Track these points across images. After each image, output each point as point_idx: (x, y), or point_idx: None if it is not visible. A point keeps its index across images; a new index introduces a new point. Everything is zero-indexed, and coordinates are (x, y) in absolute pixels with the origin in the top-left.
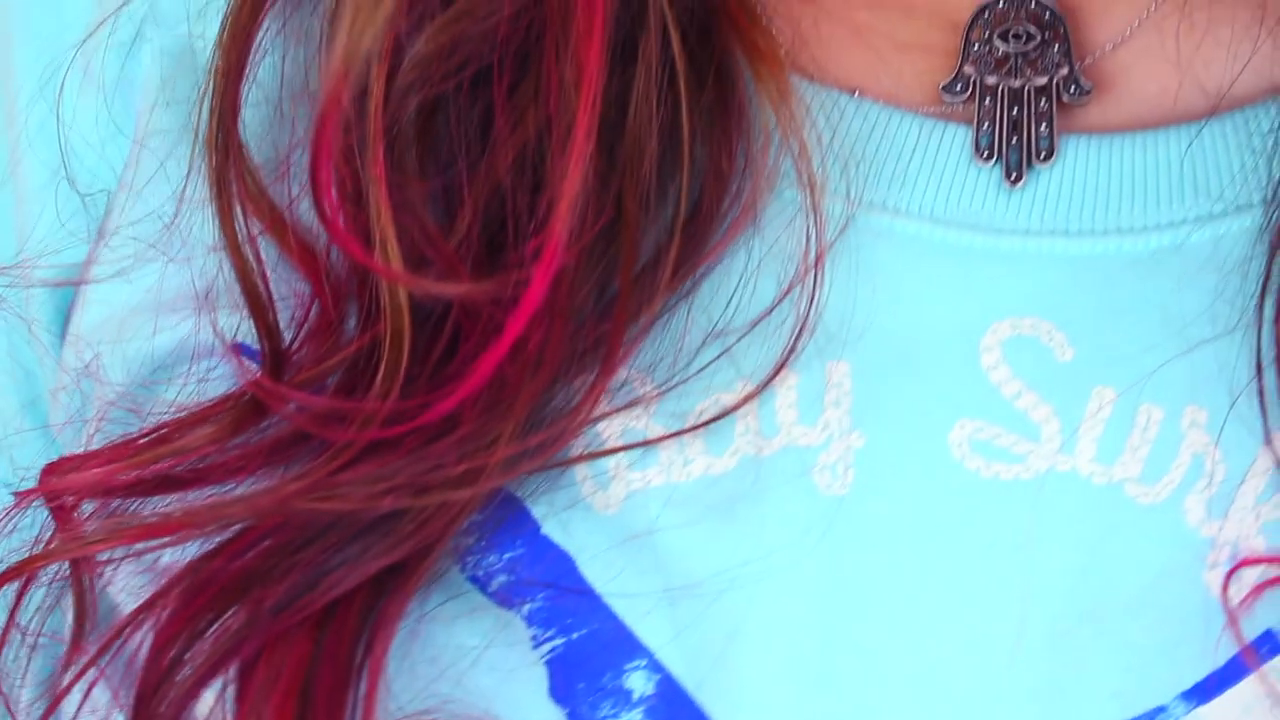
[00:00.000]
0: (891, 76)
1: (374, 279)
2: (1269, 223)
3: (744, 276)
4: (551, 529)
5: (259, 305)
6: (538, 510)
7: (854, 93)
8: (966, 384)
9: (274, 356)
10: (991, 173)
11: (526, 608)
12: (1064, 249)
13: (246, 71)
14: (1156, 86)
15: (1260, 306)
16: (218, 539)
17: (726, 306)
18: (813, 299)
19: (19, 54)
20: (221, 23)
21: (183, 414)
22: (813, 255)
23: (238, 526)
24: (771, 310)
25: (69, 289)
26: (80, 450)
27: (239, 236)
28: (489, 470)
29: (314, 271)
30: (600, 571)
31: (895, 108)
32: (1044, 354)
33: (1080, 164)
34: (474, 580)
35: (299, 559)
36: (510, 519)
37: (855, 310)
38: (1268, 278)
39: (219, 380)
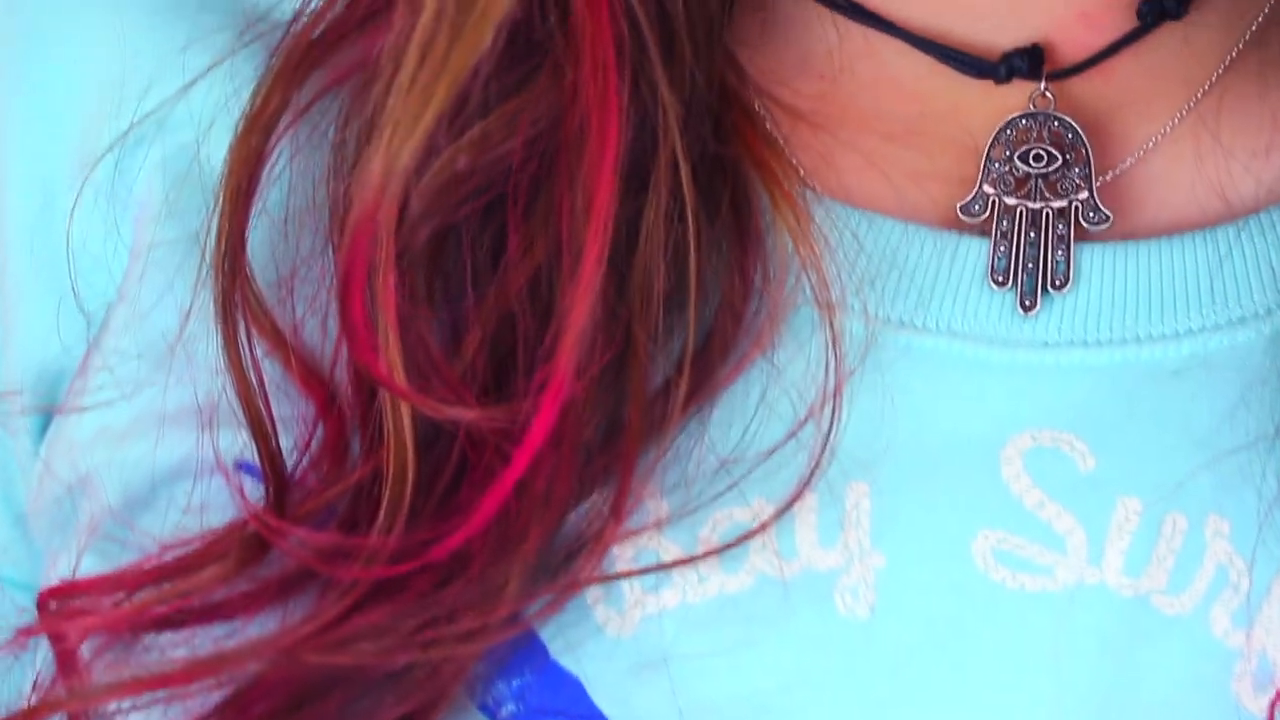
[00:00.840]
0: (911, 200)
1: (380, 406)
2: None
3: (761, 400)
4: (562, 655)
5: (262, 430)
6: (547, 634)
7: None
8: (988, 495)
9: (277, 484)
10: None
11: None
12: (1082, 360)
13: (256, 196)
14: (1177, 197)
15: None
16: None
17: (745, 431)
18: (833, 424)
19: (12, 151)
20: (232, 142)
21: (187, 549)
22: (832, 381)
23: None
24: (789, 439)
25: (55, 391)
26: (66, 554)
27: (243, 361)
28: (500, 623)
29: (319, 395)
30: (613, 698)
31: (912, 224)
32: (1066, 464)
33: (1099, 274)
34: (483, 709)
35: (307, 715)
36: (520, 644)
37: (876, 430)
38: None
39: (221, 506)
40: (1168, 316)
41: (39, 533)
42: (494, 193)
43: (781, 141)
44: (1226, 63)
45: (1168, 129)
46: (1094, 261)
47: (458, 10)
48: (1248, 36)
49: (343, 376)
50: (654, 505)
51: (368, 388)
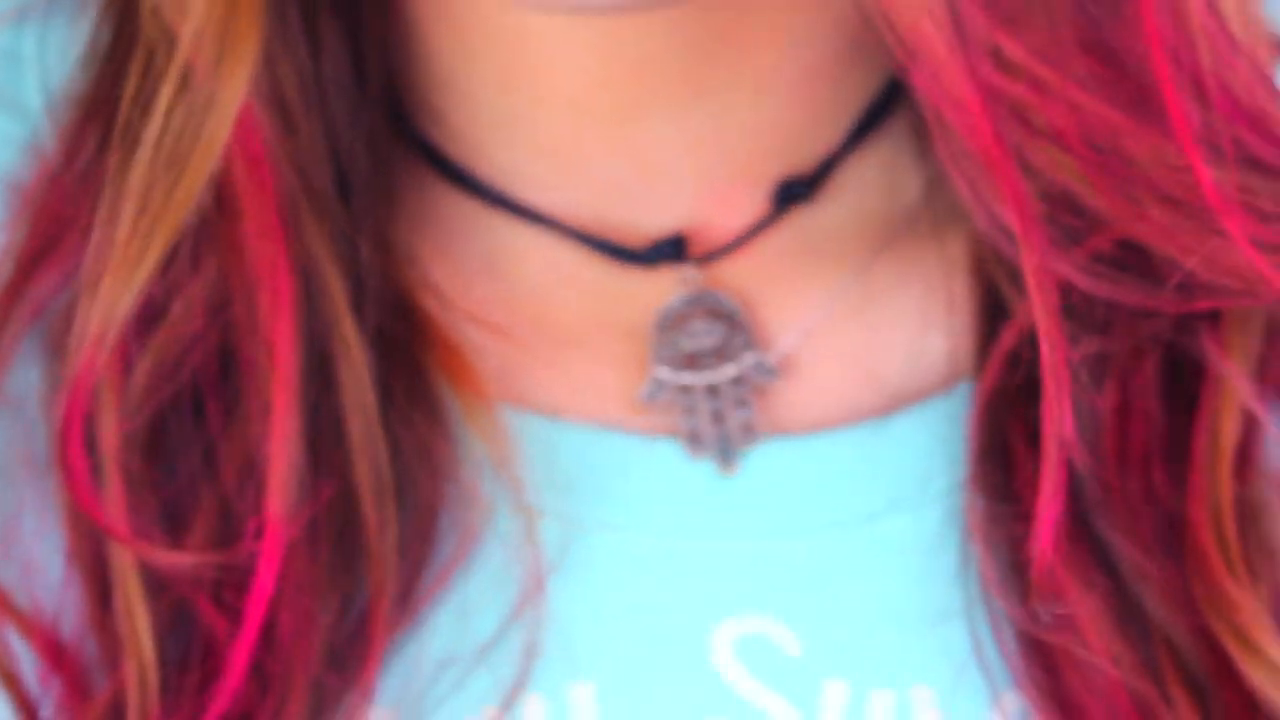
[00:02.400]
0: (595, 395)
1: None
2: (957, 508)
3: (471, 603)
4: None
5: (15, 685)
6: None
7: (559, 416)
8: (704, 687)
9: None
10: (704, 473)
11: None
12: (774, 549)
13: None
14: (843, 385)
15: (964, 585)
16: None
17: (463, 633)
18: (536, 627)
19: None
20: None
21: None
22: (529, 584)
23: None
24: (496, 641)
25: None
26: None
27: None
28: None
29: (47, 644)
30: None
31: (602, 427)
32: (773, 651)
33: (780, 465)
34: None
35: None
36: None
37: (588, 630)
38: (966, 557)
39: None
40: (849, 501)
41: None
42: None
43: (469, 350)
44: (876, 246)
45: (823, 314)
46: (774, 452)
47: (162, 195)
48: (893, 219)
49: (71, 615)
50: (377, 717)
51: (99, 602)
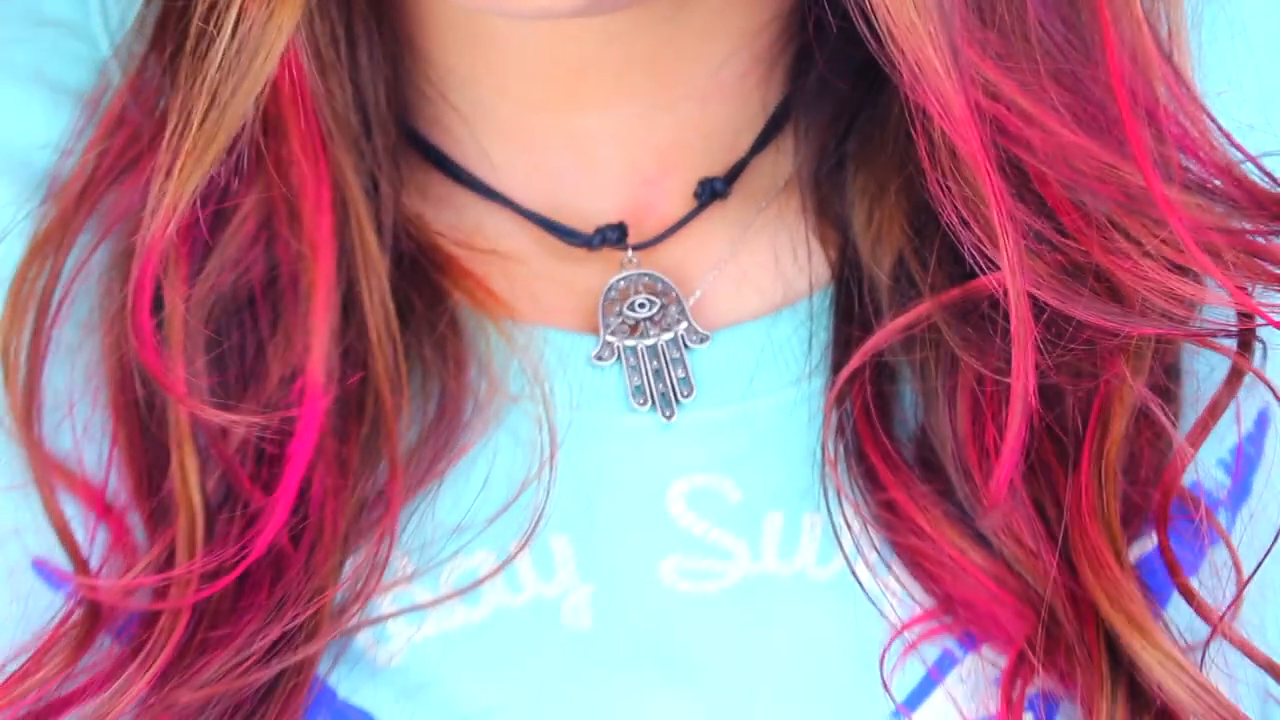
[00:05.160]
0: (575, 320)
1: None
2: (827, 383)
3: (490, 472)
4: (349, 695)
5: (66, 533)
6: (334, 679)
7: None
8: (663, 531)
9: (83, 569)
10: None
11: None
12: (717, 417)
13: (46, 348)
14: (740, 298)
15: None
16: None
17: (476, 496)
18: (549, 489)
19: None
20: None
21: (21, 652)
22: (547, 454)
23: None
24: (512, 502)
25: None
26: None
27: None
28: (323, 623)
29: (99, 505)
30: (396, 718)
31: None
32: (719, 498)
33: (708, 357)
34: None
35: None
36: (313, 693)
37: (570, 493)
38: (827, 418)
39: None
40: (773, 375)
41: None
42: (243, 269)
43: (474, 269)
44: (759, 207)
45: (724, 256)
46: (705, 358)
47: (221, 99)
48: (771, 188)
49: (118, 482)
50: (401, 563)
51: (147, 470)
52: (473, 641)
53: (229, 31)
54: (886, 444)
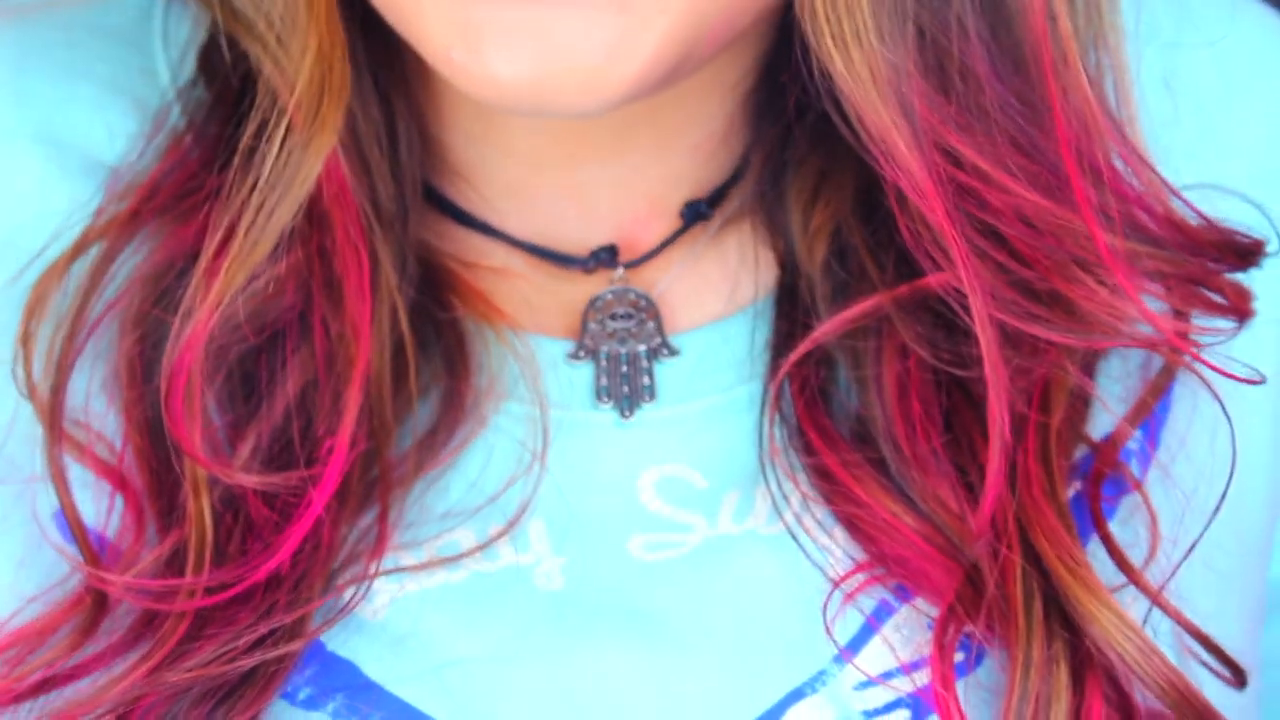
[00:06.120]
0: (565, 330)
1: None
2: (765, 386)
3: (483, 466)
4: (337, 646)
5: (73, 513)
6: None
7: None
8: (633, 513)
9: (91, 552)
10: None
11: (330, 707)
12: (681, 413)
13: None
14: (700, 300)
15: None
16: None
17: (466, 489)
18: (539, 479)
19: None
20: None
21: (34, 625)
22: (538, 449)
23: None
24: (506, 488)
25: None
26: None
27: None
28: (310, 621)
29: (115, 480)
30: (381, 668)
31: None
32: (685, 485)
33: (673, 361)
34: (285, 697)
35: None
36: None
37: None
38: (773, 404)
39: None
40: (726, 375)
41: None
42: (273, 329)
43: (486, 291)
44: (713, 232)
45: (676, 269)
46: (683, 343)
47: (268, 207)
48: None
49: (132, 464)
50: (397, 538)
51: (157, 472)
52: (451, 598)
53: (276, 147)
54: (825, 423)
